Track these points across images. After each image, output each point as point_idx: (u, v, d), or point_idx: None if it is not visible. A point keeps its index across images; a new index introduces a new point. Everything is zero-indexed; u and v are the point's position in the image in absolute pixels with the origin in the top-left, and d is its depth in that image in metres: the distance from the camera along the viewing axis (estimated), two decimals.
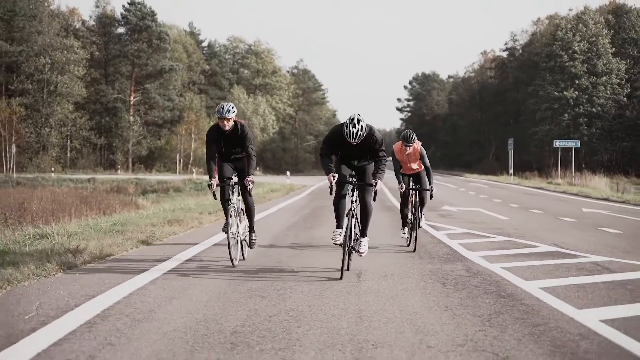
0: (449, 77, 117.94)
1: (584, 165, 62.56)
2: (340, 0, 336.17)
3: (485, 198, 27.15)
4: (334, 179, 7.80)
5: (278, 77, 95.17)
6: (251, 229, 9.33)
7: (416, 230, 10.55)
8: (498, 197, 28.22)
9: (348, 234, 7.89)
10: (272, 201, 24.40)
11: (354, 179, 8.16)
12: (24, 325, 5.21)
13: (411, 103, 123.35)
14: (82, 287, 6.85)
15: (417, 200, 10.69)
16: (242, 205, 9.13)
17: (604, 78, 64.32)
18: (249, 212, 9.20)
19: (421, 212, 10.84)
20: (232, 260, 8.55)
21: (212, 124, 74.78)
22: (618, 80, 64.86)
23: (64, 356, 4.43)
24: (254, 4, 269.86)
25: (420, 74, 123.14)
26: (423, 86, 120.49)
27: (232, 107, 8.68)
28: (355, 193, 8.12)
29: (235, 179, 8.85)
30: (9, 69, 69.35)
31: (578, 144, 48.95)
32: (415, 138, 10.51)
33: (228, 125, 8.62)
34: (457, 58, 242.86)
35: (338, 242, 7.90)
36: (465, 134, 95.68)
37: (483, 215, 17.96)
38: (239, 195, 9.04)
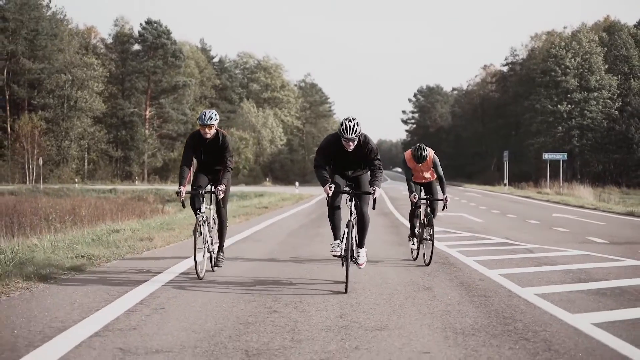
0: (453, 89, 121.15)
1: (579, 176, 66.00)
2: (347, 12, 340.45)
3: (473, 205, 30.49)
4: (330, 190, 7.75)
5: (286, 91, 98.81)
6: (220, 248, 9.13)
7: (433, 241, 10.07)
8: (485, 204, 31.57)
9: (348, 245, 7.79)
10: (284, 208, 27.81)
11: (352, 190, 8.14)
12: (147, 275, 8.65)
13: (416, 115, 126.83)
14: (171, 257, 10.27)
15: (428, 211, 10.41)
16: (210, 215, 8.90)
17: (596, 93, 67.99)
18: (221, 228, 9.03)
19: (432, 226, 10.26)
20: (197, 272, 8.24)
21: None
22: (609, 95, 68.49)
23: (199, 277, 7.88)
24: (262, 17, 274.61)
25: (424, 87, 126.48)
26: (427, 99, 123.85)
27: (215, 114, 8.57)
28: (353, 203, 8.09)
29: (208, 188, 8.82)
30: (31, 85, 73.23)
31: (565, 156, 52.32)
32: (427, 155, 10.23)
33: (209, 134, 8.52)
34: (461, 69, 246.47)
35: (337, 254, 8.04)
36: (468, 145, 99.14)
37: (463, 219, 21.33)
38: (209, 205, 8.88)
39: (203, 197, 8.57)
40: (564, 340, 5.48)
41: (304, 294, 7.40)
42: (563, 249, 12.51)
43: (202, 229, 8.37)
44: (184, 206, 8.57)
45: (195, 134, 8.72)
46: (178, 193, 8.37)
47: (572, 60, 68.22)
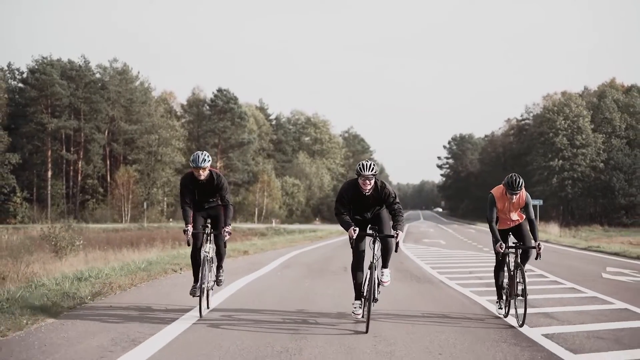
0: (485, 136, 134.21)
1: (577, 217, 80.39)
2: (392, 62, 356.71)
3: (458, 237, 45.05)
4: (354, 233, 7.94)
5: (332, 143, 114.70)
6: (219, 267, 9.30)
7: (525, 297, 8.45)
8: (467, 236, 46.13)
9: (371, 286, 7.92)
10: (333, 237, 42.96)
11: (374, 232, 8.27)
12: (253, 265, 24.17)
13: (450, 161, 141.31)
14: (272, 255, 25.71)
15: (519, 261, 8.77)
16: (212, 254, 9.01)
17: (584, 150, 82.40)
18: (219, 253, 9.14)
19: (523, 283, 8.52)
20: (200, 311, 8.67)
21: (279, 184, 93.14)
22: (595, 150, 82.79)
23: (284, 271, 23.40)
24: (308, 76, 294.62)
25: (457, 135, 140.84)
26: (459, 146, 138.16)
27: (208, 156, 8.63)
28: (377, 245, 8.22)
29: (209, 228, 8.91)
30: (126, 143, 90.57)
31: (541, 202, 66.54)
32: (523, 184, 8.73)
33: (203, 175, 8.61)
34: (496, 115, 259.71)
35: (358, 316, 8.29)
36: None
37: (436, 243, 36.20)
38: (211, 244, 8.94)
39: (209, 237, 8.86)
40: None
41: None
42: (458, 249, 27.60)
43: (205, 269, 8.69)
44: (189, 244, 8.71)
45: (188, 175, 8.88)
46: (185, 231, 8.58)
47: (563, 122, 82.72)
